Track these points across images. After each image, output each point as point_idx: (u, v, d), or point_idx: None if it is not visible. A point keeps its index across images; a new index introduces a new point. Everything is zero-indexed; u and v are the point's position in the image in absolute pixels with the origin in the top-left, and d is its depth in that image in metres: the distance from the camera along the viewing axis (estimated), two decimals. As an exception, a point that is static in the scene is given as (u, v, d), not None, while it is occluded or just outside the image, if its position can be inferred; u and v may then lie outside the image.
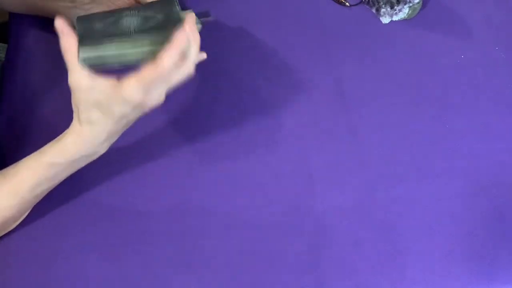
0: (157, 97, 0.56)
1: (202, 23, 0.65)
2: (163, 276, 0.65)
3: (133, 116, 0.58)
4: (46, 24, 0.78)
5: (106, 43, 0.55)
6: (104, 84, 0.54)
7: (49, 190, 0.64)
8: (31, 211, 0.67)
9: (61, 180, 0.64)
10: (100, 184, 0.70)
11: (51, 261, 0.65)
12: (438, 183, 0.71)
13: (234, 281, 0.65)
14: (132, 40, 0.56)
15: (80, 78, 0.53)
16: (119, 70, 0.56)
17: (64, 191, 0.69)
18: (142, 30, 0.56)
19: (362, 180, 0.71)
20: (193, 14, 0.59)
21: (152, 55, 0.55)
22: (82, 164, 0.62)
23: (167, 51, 0.53)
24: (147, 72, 0.53)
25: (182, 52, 0.54)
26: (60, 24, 0.53)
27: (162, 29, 0.56)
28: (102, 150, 0.61)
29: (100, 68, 0.55)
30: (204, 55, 0.65)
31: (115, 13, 0.59)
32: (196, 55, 0.57)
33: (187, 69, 0.57)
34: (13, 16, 0.82)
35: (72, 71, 0.54)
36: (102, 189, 0.70)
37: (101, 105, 0.55)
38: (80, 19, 0.58)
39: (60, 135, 0.60)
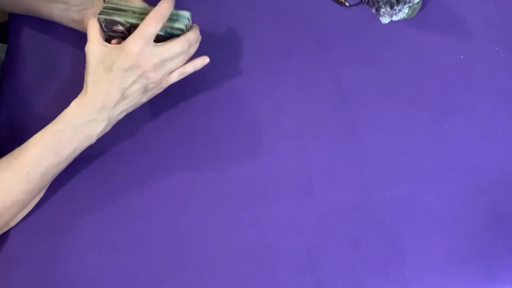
0: (151, 59, 0.62)
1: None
2: (163, 276, 0.65)
3: (130, 79, 0.62)
4: (46, 24, 0.79)
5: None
6: (111, 46, 0.63)
7: (55, 168, 0.63)
8: (31, 211, 0.67)
9: (66, 159, 0.63)
10: (100, 184, 0.70)
11: (51, 260, 0.65)
12: (438, 183, 0.71)
13: (233, 281, 0.65)
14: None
15: (95, 42, 0.63)
16: None
17: (64, 191, 0.69)
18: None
19: (362, 180, 0.71)
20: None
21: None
22: (84, 137, 0.63)
23: (160, 3, 0.61)
24: (143, 25, 0.61)
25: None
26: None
27: None
28: (101, 121, 0.63)
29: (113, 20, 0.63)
30: (206, 60, 0.67)
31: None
32: (193, 37, 0.65)
33: (182, 44, 0.63)
34: (13, 16, 0.82)
35: (90, 37, 0.63)
36: (102, 189, 0.70)
37: (104, 63, 0.62)
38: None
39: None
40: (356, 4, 0.85)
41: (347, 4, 0.85)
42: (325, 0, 0.85)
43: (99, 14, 0.64)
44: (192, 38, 0.65)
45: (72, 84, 0.74)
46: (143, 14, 0.64)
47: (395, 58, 0.80)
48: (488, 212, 0.69)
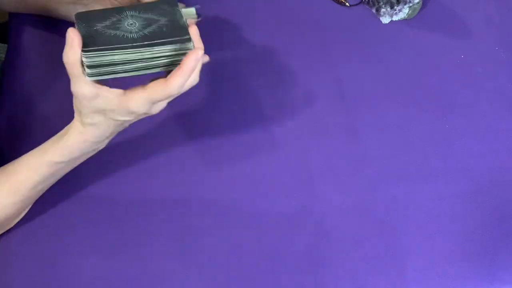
0: (161, 107, 0.57)
1: (200, 16, 0.64)
2: (163, 276, 0.65)
3: (137, 119, 0.59)
4: (46, 24, 0.79)
5: (109, 53, 0.53)
6: (109, 93, 0.53)
7: (49, 186, 0.65)
8: (30, 211, 0.67)
9: (61, 176, 0.64)
10: (101, 183, 0.70)
11: (51, 261, 0.65)
12: (438, 183, 0.71)
13: (234, 281, 0.65)
14: (138, 52, 0.54)
15: (84, 87, 0.53)
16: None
17: (64, 190, 0.69)
18: (146, 37, 0.55)
19: (362, 180, 0.71)
20: (194, 21, 0.59)
21: (158, 68, 0.55)
22: (82, 160, 0.63)
23: (178, 74, 0.53)
24: (156, 91, 0.54)
25: (192, 72, 0.55)
26: (72, 35, 0.53)
27: (169, 42, 0.55)
28: (103, 146, 0.62)
29: (104, 76, 0.54)
30: (207, 58, 0.66)
31: (115, 12, 0.58)
32: (200, 67, 0.57)
33: (192, 81, 0.57)
34: (13, 16, 0.82)
35: (76, 80, 0.53)
36: (103, 189, 0.70)
37: (105, 112, 0.55)
38: (80, 17, 0.57)
39: (61, 132, 0.60)
40: (356, 4, 0.85)
41: (347, 4, 0.85)
42: (325, 0, 0.85)
43: (82, 51, 0.52)
44: (182, 80, 0.55)
45: (72, 84, 0.74)
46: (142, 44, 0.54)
47: (395, 58, 0.80)
48: (488, 212, 0.69)
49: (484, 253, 0.67)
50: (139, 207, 0.69)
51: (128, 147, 0.72)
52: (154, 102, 0.55)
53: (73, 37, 0.53)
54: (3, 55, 0.85)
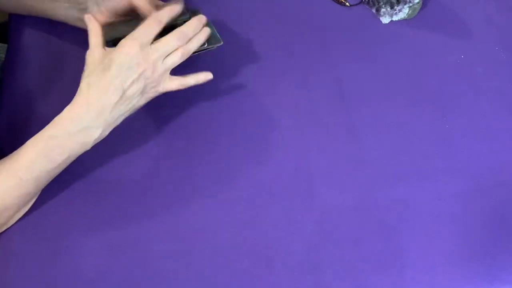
0: (152, 56, 0.62)
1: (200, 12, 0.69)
2: (163, 276, 0.65)
3: (130, 79, 0.61)
4: (46, 24, 0.79)
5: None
6: (111, 49, 0.61)
7: (48, 174, 0.63)
8: (30, 210, 0.67)
9: (60, 165, 0.63)
10: (101, 184, 0.70)
11: (51, 261, 0.65)
12: (438, 183, 0.71)
13: (234, 281, 0.65)
14: None
15: (96, 49, 0.62)
16: None
17: (64, 190, 0.69)
18: None
19: (362, 180, 0.71)
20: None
21: None
22: (79, 144, 0.62)
23: (182, 28, 0.63)
24: (143, 26, 0.61)
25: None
26: (88, 16, 0.64)
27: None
28: (97, 127, 0.61)
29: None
30: (210, 76, 0.69)
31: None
32: (193, 29, 0.64)
33: (178, 37, 0.63)
34: (13, 16, 0.82)
35: (91, 46, 0.62)
36: (103, 189, 0.70)
37: (103, 64, 0.60)
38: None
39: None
40: (356, 4, 0.85)
41: (347, 4, 0.85)
42: (325, 0, 0.85)
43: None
44: (186, 29, 0.64)
45: (72, 84, 0.74)
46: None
47: (395, 58, 0.80)
48: (488, 212, 0.69)
49: (484, 253, 0.67)
50: (139, 207, 0.69)
51: (128, 147, 0.72)
52: (146, 37, 0.61)
53: (88, 16, 0.65)
54: (3, 55, 0.85)
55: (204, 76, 0.68)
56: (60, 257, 0.65)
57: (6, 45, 0.82)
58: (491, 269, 0.66)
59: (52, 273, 0.65)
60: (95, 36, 0.62)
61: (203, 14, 0.68)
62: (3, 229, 0.66)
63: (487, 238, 0.68)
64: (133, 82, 0.61)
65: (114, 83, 0.60)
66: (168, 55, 0.63)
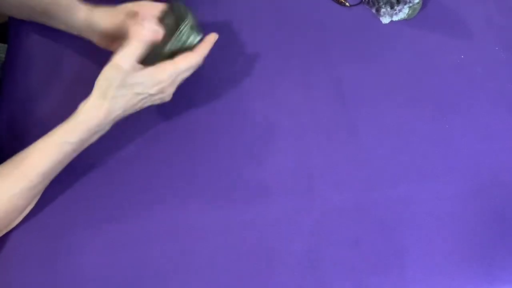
0: (175, 87, 0.67)
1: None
2: (163, 276, 0.65)
3: (151, 100, 0.66)
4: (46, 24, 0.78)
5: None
6: (143, 69, 0.64)
7: (55, 174, 0.65)
8: (31, 211, 0.67)
9: (66, 164, 0.65)
10: (101, 183, 0.70)
11: (51, 260, 0.65)
12: (438, 183, 0.71)
13: (233, 281, 0.65)
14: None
15: (129, 60, 0.62)
16: None
17: (64, 190, 0.69)
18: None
19: (362, 180, 0.71)
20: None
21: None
22: (87, 144, 0.65)
23: (201, 48, 0.67)
24: (182, 60, 0.65)
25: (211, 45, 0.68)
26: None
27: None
28: (108, 127, 0.65)
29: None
30: (216, 36, 0.70)
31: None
32: (208, 50, 0.68)
33: (196, 60, 0.67)
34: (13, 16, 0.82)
35: (129, 55, 0.63)
36: (103, 189, 0.70)
37: (132, 87, 0.63)
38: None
39: (70, 117, 0.62)
40: (356, 4, 0.85)
41: (347, 4, 0.85)
42: (325, 0, 0.85)
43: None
44: (205, 53, 0.68)
45: (72, 84, 0.74)
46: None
47: (395, 58, 0.80)
48: (488, 212, 0.69)
49: (484, 253, 0.67)
50: (139, 207, 0.69)
51: (128, 147, 0.72)
52: (179, 73, 0.65)
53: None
54: (3, 55, 0.85)
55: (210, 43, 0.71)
56: (60, 257, 0.66)
57: (6, 45, 0.82)
58: (491, 269, 0.66)
59: (52, 273, 0.65)
60: (137, 48, 0.63)
61: (198, 14, 0.69)
62: (6, 231, 0.66)
63: (487, 238, 0.68)
64: (151, 97, 0.66)
65: (137, 103, 0.65)
66: None
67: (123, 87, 0.62)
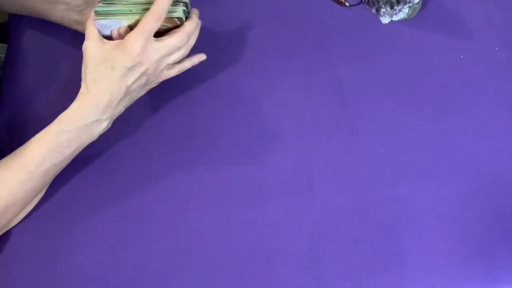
0: (153, 56, 0.63)
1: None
2: (163, 276, 0.65)
3: (133, 77, 0.63)
4: (46, 24, 0.79)
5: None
6: (111, 42, 0.62)
7: (56, 167, 0.64)
8: (31, 211, 0.67)
9: (68, 157, 0.64)
10: (100, 184, 0.70)
11: (51, 260, 0.65)
12: (438, 183, 0.71)
13: (233, 281, 0.65)
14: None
15: (94, 40, 0.62)
16: None
17: (64, 190, 0.69)
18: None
19: (362, 180, 0.71)
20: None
21: None
22: (87, 137, 0.64)
23: (185, 26, 0.64)
24: (144, 21, 0.61)
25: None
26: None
27: None
28: (105, 120, 0.64)
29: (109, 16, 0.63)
30: (203, 57, 0.68)
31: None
32: (191, 28, 0.65)
33: (181, 38, 0.64)
34: (13, 16, 0.82)
35: (88, 35, 0.63)
36: (103, 188, 0.70)
37: (106, 61, 0.61)
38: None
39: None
40: (356, 4, 0.85)
41: (347, 4, 0.85)
42: (325, 0, 0.85)
43: (96, 18, 0.63)
44: (190, 30, 0.65)
45: (72, 84, 0.74)
46: (140, 9, 0.63)
47: (395, 58, 0.80)
48: (488, 212, 0.69)
49: (484, 253, 0.67)
50: (139, 207, 0.69)
51: (128, 147, 0.72)
52: (145, 34, 0.61)
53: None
54: (3, 55, 0.85)
55: (198, 58, 0.70)
56: (60, 257, 0.66)
57: (6, 45, 0.82)
58: (491, 269, 0.66)
59: (52, 273, 0.65)
60: (93, 29, 0.63)
61: (201, 14, 0.69)
62: (8, 227, 0.66)
63: (487, 238, 0.68)
64: (136, 80, 0.64)
65: (119, 82, 0.62)
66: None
67: (97, 65, 0.62)
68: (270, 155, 0.72)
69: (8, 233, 0.66)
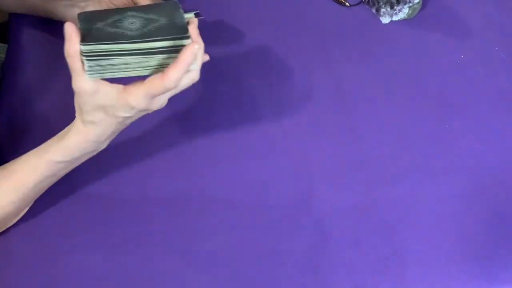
0: (161, 103, 0.57)
1: (201, 16, 0.65)
2: (163, 276, 0.65)
3: (137, 117, 0.59)
4: (46, 24, 0.79)
5: (106, 43, 0.54)
6: (109, 89, 0.54)
7: (49, 185, 0.65)
8: (30, 211, 0.67)
9: (62, 175, 0.64)
10: (101, 183, 0.70)
11: (51, 260, 0.65)
12: (438, 183, 0.71)
13: (233, 281, 0.65)
14: (135, 46, 0.54)
15: (85, 82, 0.54)
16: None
17: (64, 190, 0.69)
18: (144, 34, 0.55)
19: (362, 180, 0.71)
20: (196, 21, 0.59)
21: (157, 69, 0.56)
22: (83, 160, 0.63)
23: (175, 67, 0.53)
24: (154, 85, 0.54)
25: (188, 66, 0.55)
26: (70, 29, 0.54)
27: (166, 38, 0.55)
28: (103, 146, 0.62)
29: (103, 73, 0.55)
30: (207, 57, 0.66)
31: (116, 12, 0.58)
32: (200, 64, 0.58)
33: (193, 78, 0.57)
34: (13, 16, 0.82)
35: (76, 75, 0.54)
36: (103, 188, 0.70)
37: (106, 108, 0.55)
38: (82, 16, 0.58)
39: (62, 132, 0.60)
40: (356, 4, 0.85)
41: (347, 4, 0.85)
42: (325, 0, 0.85)
43: (81, 43, 0.53)
44: (198, 68, 0.58)
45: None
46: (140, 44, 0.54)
47: (395, 58, 0.80)
48: (488, 212, 0.69)
49: (484, 253, 0.67)
50: (139, 206, 0.69)
51: (128, 147, 0.72)
52: (152, 97, 0.55)
53: (70, 31, 0.54)
54: (3, 55, 0.85)
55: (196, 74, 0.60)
56: (60, 257, 0.66)
57: (6, 45, 0.82)
58: (491, 269, 0.66)
59: (52, 273, 0.65)
60: (78, 61, 0.54)
61: (203, 16, 0.68)
62: (3, 229, 0.66)
63: (487, 238, 0.68)
64: (137, 118, 0.60)
65: (120, 124, 0.59)
66: None
67: (94, 110, 0.55)
68: (270, 155, 0.72)
69: (8, 233, 0.66)
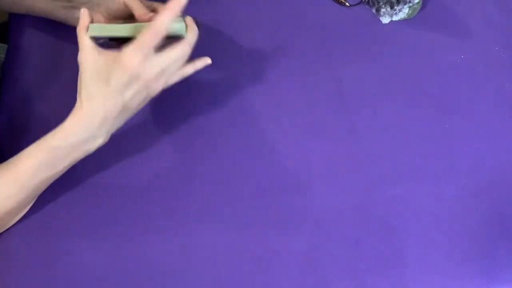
0: (152, 71, 0.59)
1: (202, 24, 0.66)
2: (163, 276, 0.65)
3: (130, 92, 0.59)
4: (46, 24, 0.78)
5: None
6: (107, 54, 0.59)
7: (49, 180, 0.64)
8: (30, 211, 0.67)
9: (61, 170, 0.63)
10: (101, 183, 0.70)
11: (51, 260, 0.65)
12: (438, 183, 0.71)
13: (233, 280, 0.65)
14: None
15: (88, 51, 0.59)
16: None
17: (64, 190, 0.69)
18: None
19: (361, 180, 0.71)
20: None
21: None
22: (81, 152, 0.62)
23: (161, 14, 0.58)
24: (142, 35, 0.57)
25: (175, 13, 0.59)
26: (84, 10, 0.62)
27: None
28: (100, 136, 0.62)
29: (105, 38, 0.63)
30: (208, 61, 0.66)
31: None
32: (193, 38, 0.62)
33: (183, 50, 0.61)
34: (13, 16, 0.82)
35: (82, 46, 0.59)
36: (103, 188, 0.70)
37: (102, 75, 0.58)
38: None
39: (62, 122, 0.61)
40: (356, 4, 0.85)
41: (347, 4, 0.85)
42: (325, 0, 0.85)
43: (89, 31, 0.61)
44: (192, 41, 0.62)
45: (72, 84, 0.73)
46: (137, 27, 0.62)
47: (395, 58, 0.80)
48: (488, 212, 0.69)
49: (484, 253, 0.67)
50: (139, 206, 0.69)
51: (128, 146, 0.72)
52: (144, 50, 0.57)
53: (84, 11, 0.63)
54: (3, 55, 0.85)
55: (202, 63, 0.66)
56: (60, 257, 0.66)
57: (6, 45, 0.82)
58: (491, 269, 0.66)
59: (52, 273, 0.65)
60: (84, 33, 0.60)
61: (199, 14, 0.68)
62: (1, 231, 0.66)
63: (487, 238, 0.68)
64: (134, 95, 0.60)
65: (115, 98, 0.59)
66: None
67: (91, 79, 0.58)
68: (270, 155, 0.72)
69: (8, 233, 0.66)
